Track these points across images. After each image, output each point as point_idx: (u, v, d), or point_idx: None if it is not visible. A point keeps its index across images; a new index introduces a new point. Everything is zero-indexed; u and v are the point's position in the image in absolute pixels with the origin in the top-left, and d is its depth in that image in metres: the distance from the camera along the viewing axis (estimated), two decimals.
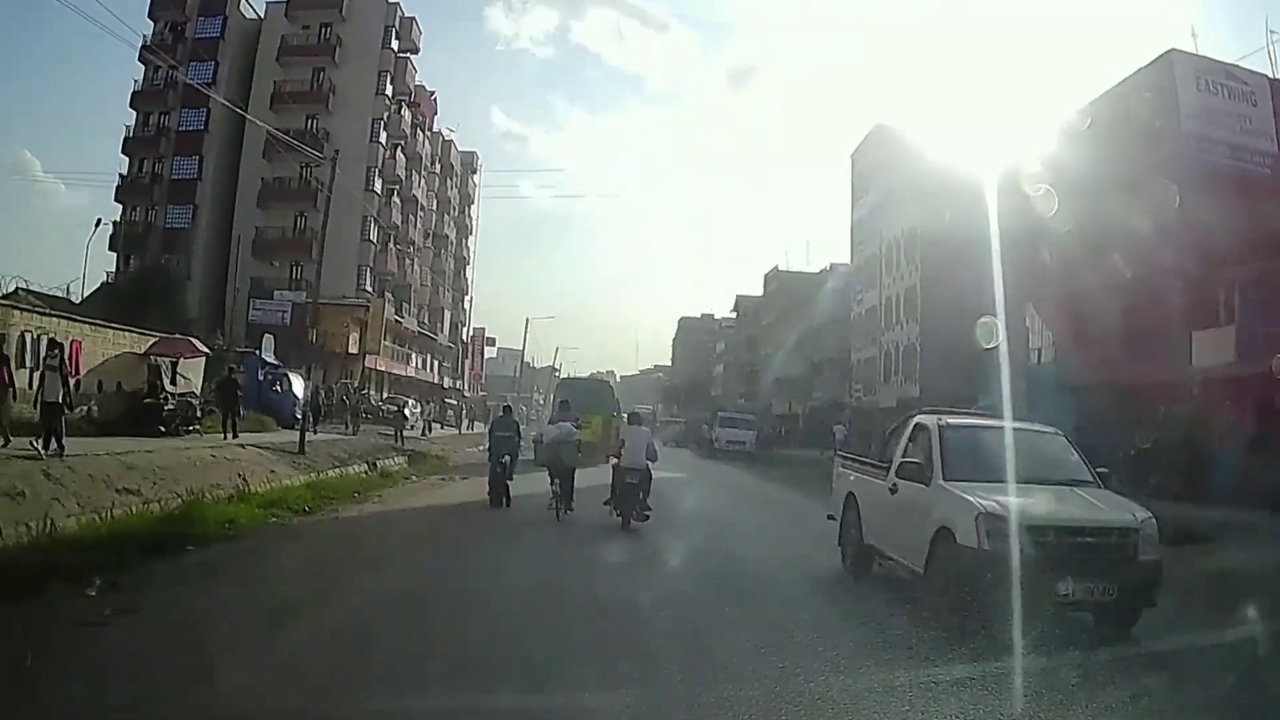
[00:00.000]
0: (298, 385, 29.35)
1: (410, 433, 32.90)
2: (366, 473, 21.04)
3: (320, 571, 9.82)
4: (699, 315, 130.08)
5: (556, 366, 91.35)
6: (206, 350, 29.25)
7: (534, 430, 23.12)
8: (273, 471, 16.94)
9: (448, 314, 68.11)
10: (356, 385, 45.50)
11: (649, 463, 13.63)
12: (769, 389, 72.68)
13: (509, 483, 15.60)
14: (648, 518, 13.38)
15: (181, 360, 26.91)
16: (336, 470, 19.70)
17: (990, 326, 24.93)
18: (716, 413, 46.63)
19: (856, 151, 53.78)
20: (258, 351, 33.32)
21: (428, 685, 5.64)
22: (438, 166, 64.04)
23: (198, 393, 23.81)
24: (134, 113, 50.07)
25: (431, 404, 56.67)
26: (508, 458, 15.71)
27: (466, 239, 74.90)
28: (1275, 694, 6.05)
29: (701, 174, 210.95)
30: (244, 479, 14.95)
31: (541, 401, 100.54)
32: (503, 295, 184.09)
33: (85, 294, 39.80)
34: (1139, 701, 5.78)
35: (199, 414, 20.54)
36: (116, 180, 49.93)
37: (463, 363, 74.45)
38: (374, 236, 50.60)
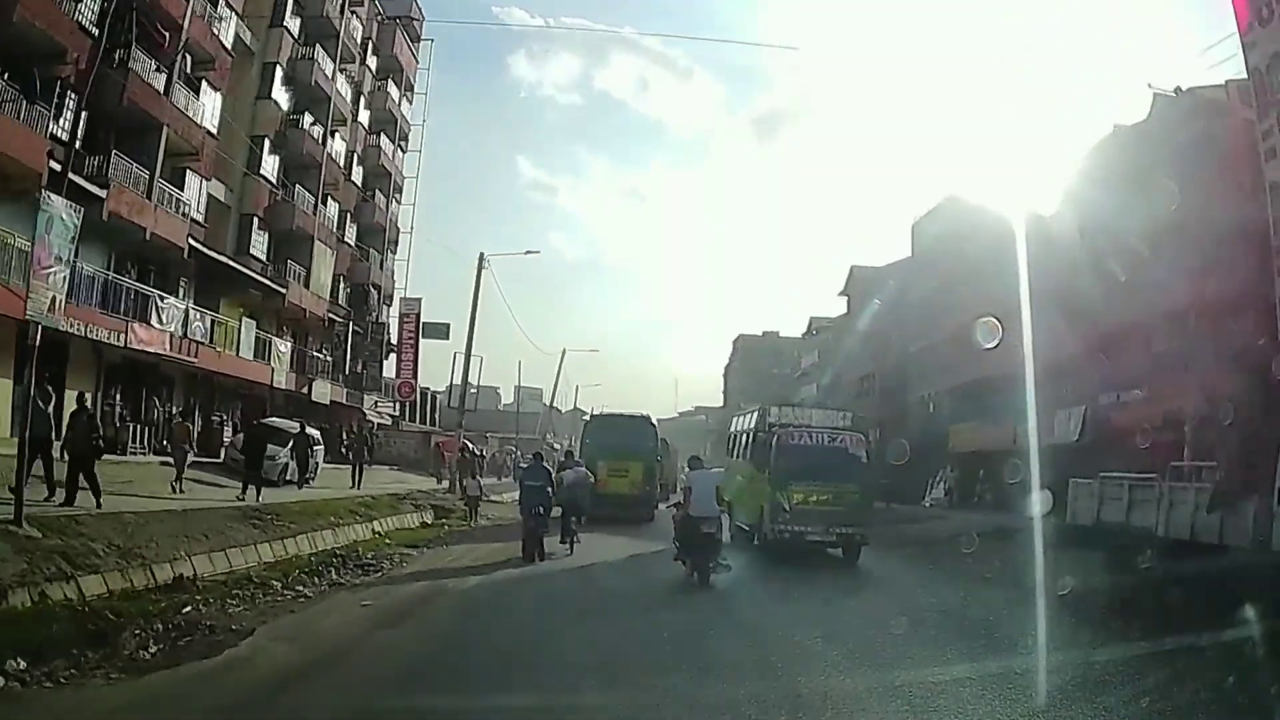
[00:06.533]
0: None
1: None
2: None
3: None
4: (760, 334, 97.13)
5: (580, 404, 60.08)
6: None
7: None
8: None
9: (330, 257, 35.19)
10: None
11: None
12: (941, 408, 38.55)
13: (544, 537, 14.83)
14: (729, 568, 12.84)
15: None
16: None
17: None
18: None
19: None
20: None
21: None
22: None
23: None
24: None
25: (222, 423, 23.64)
26: (541, 509, 14.85)
27: (390, 133, 41.96)
28: None
29: (734, 218, 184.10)
30: None
31: (557, 447, 71.09)
32: (527, 347, 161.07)
33: None
34: None
35: None
36: None
37: (374, 362, 41.57)
38: None
